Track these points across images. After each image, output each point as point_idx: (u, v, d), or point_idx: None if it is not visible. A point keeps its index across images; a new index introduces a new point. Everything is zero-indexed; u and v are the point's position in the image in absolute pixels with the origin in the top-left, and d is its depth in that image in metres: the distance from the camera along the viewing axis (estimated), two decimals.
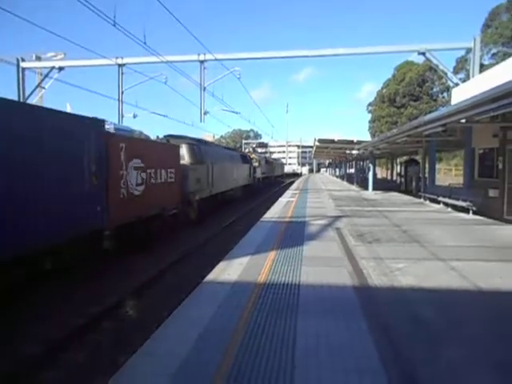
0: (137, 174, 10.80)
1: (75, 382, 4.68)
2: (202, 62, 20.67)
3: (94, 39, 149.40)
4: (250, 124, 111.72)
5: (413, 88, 59.92)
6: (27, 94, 22.10)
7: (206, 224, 16.04)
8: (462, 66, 47.95)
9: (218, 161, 20.44)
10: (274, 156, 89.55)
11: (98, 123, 9.18)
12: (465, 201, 13.79)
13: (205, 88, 21.39)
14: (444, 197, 15.97)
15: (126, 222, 10.14)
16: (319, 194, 23.99)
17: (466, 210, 13.67)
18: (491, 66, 20.94)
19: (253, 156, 40.14)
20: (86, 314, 6.32)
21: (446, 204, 15.58)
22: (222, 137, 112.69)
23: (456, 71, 45.96)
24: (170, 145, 14.49)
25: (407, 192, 25.58)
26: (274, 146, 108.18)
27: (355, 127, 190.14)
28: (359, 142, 26.49)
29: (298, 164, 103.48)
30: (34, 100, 21.98)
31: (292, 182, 47.97)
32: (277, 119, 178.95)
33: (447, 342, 3.88)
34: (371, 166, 26.84)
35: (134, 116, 23.54)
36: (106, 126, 10.34)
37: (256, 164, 38.35)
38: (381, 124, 63.52)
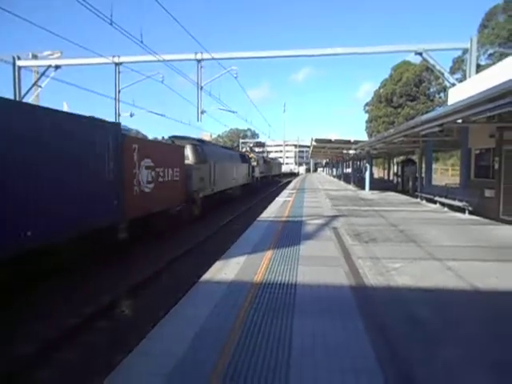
0: (147, 173, 11.67)
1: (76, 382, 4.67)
2: (199, 60, 20.59)
3: (90, 38, 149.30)
4: (248, 123, 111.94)
5: (410, 88, 60.13)
6: (23, 92, 21.99)
7: (206, 221, 16.33)
8: (458, 66, 48.12)
9: (219, 160, 21.14)
10: (272, 155, 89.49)
11: (116, 127, 10.14)
12: (461, 201, 13.84)
13: (202, 87, 21.33)
14: (440, 197, 16.02)
15: (138, 216, 11.01)
16: (316, 194, 24.01)
17: (462, 210, 13.72)
18: (488, 66, 20.99)
19: (251, 156, 40.31)
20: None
21: (443, 204, 15.63)
22: (219, 136, 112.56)
23: (453, 71, 46.07)
24: (175, 145, 15.26)
25: (404, 192, 25.65)
26: (272, 146, 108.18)
27: (353, 127, 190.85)
28: (356, 142, 26.52)
29: (296, 164, 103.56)
30: (30, 99, 21.85)
31: (289, 182, 48.04)
32: (275, 119, 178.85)
33: (443, 341, 3.88)
34: (368, 166, 26.91)
35: (131, 115, 23.49)
36: None
37: (254, 163, 38.64)
38: (378, 124, 63.71)
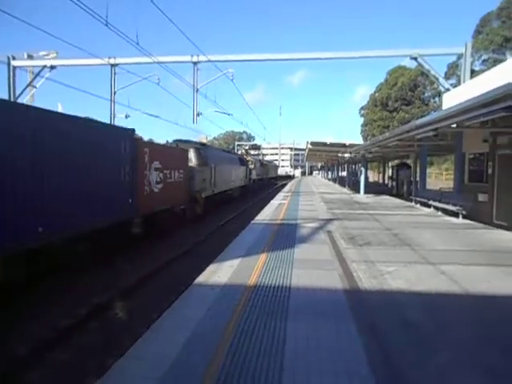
0: (156, 174, 12.77)
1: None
2: (195, 63, 20.62)
3: (86, 39, 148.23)
4: (243, 126, 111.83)
5: (405, 92, 60.58)
6: (18, 92, 21.86)
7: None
8: (453, 71, 48.57)
9: (220, 163, 22.42)
10: (267, 158, 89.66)
11: (130, 132, 11.10)
12: (455, 205, 13.92)
13: (198, 89, 21.34)
14: (435, 201, 16.10)
15: (148, 213, 12.22)
16: (311, 197, 24.04)
17: (456, 214, 13.78)
18: (482, 71, 21.19)
19: (249, 158, 40.92)
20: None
21: (437, 208, 15.71)
22: (214, 138, 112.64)
23: (447, 76, 46.53)
24: (180, 149, 16.53)
25: (398, 195, 25.77)
26: (267, 148, 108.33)
27: (348, 130, 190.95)
28: (351, 146, 26.64)
29: (291, 166, 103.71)
30: (25, 99, 21.73)
31: (285, 185, 48.06)
32: (270, 121, 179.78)
33: (436, 345, 3.89)
34: (363, 170, 27.02)
35: (126, 116, 23.42)
36: None
37: (252, 166, 39.43)
38: (373, 128, 64.07)
